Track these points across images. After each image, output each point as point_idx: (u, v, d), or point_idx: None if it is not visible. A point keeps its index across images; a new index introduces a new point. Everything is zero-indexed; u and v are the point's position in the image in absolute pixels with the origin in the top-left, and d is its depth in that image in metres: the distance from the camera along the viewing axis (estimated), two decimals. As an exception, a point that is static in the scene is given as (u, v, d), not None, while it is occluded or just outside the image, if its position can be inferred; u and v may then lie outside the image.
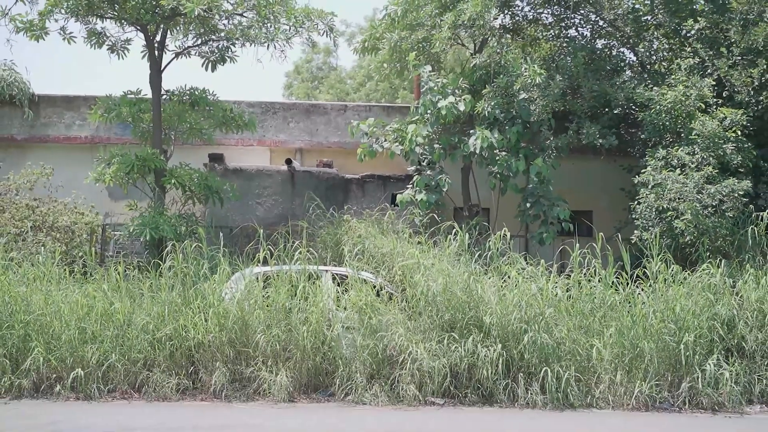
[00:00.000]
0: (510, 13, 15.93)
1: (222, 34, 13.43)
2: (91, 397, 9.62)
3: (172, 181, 13.26)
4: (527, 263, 11.34)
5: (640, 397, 10.00)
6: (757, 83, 12.82)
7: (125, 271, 11.06)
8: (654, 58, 15.05)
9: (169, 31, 13.60)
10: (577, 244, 11.35)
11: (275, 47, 12.90)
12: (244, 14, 13.23)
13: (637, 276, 11.19)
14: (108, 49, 13.81)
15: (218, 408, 9.43)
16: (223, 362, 10.01)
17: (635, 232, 12.80)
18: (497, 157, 13.73)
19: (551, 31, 16.36)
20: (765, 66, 12.76)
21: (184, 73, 49.13)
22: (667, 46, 14.79)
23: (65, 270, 11.25)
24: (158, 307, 10.33)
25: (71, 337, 9.88)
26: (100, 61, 70.89)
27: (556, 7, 15.62)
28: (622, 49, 15.86)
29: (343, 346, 10.22)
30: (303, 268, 10.83)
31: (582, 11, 15.58)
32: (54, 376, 9.79)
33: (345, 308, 10.48)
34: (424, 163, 14.40)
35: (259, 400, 9.79)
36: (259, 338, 10.04)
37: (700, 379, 10.01)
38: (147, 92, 14.03)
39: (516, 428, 8.82)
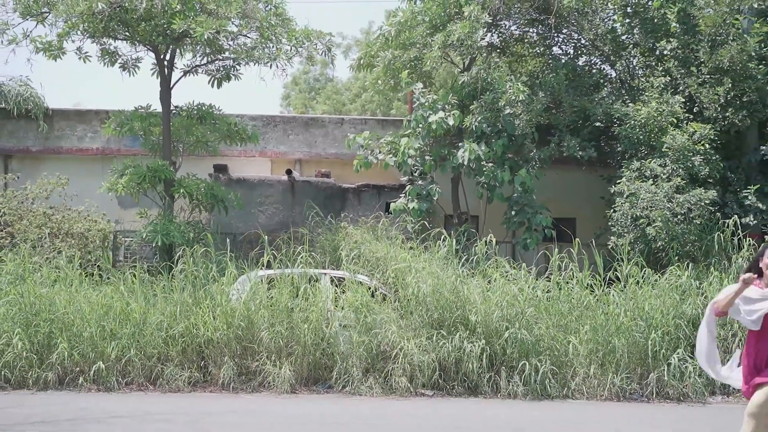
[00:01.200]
0: (497, 31, 16.84)
1: (227, 54, 14.33)
2: (110, 389, 10.45)
3: (181, 190, 14.12)
4: (511, 267, 12.23)
5: (612, 389, 10.87)
6: (723, 100, 13.70)
7: (133, 274, 11.89)
8: (632, 74, 15.94)
9: (178, 51, 14.48)
10: (556, 249, 12.25)
11: (277, 66, 13.81)
12: (248, 35, 14.13)
13: (611, 279, 12.09)
14: (120, 67, 14.69)
15: (226, 398, 10.25)
16: (231, 357, 10.84)
17: (611, 238, 13.68)
18: (484, 168, 14.56)
19: (536, 48, 17.26)
20: (730, 84, 13.66)
21: (186, 85, 49.89)
22: (643, 64, 15.67)
23: (83, 273, 12.10)
24: (171, 307, 11.16)
25: (92, 334, 10.71)
26: (103, 74, 71.54)
27: (540, 27, 16.52)
28: (603, 66, 16.78)
29: (341, 343, 11.04)
30: (303, 271, 11.69)
31: (564, 31, 16.48)
32: (77, 369, 10.63)
33: (342, 308, 11.31)
34: (416, 174, 15.26)
35: (263, 392, 10.62)
36: (264, 335, 10.88)
37: (666, 372, 10.91)
38: (156, 106, 14.93)
39: (498, 416, 9.65)
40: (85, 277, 12.04)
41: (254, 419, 8.94)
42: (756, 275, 6.43)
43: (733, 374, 6.69)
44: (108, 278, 12.13)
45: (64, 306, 10.96)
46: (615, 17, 16.26)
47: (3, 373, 10.39)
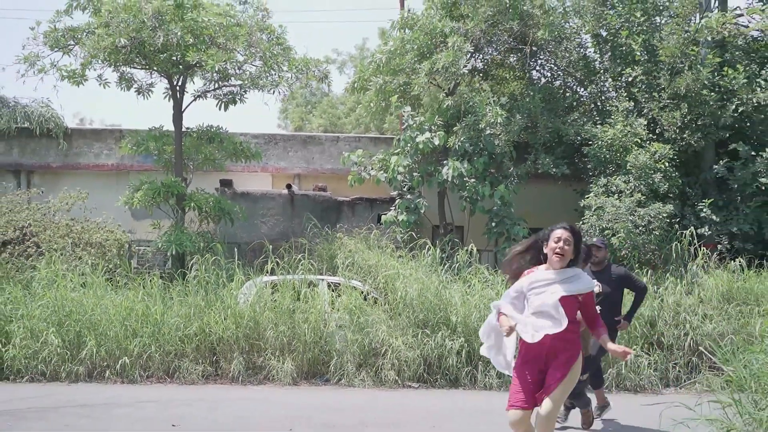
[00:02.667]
0: (480, 57, 18.18)
1: (234, 80, 15.64)
2: (134, 381, 11.67)
3: (192, 204, 15.40)
4: (489, 273, 13.53)
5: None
6: (680, 123, 15.04)
7: (151, 280, 13.16)
8: (602, 97, 17.29)
9: (189, 78, 15.78)
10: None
11: (278, 93, 15.12)
12: (253, 64, 15.43)
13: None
14: (135, 91, 15.97)
15: (236, 389, 11.48)
16: (240, 353, 12.03)
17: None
18: (467, 184, 15.84)
19: (516, 72, 18.61)
20: (687, 109, 15.00)
21: (194, 106, 51.27)
22: (613, 87, 17.02)
23: (104, 279, 13.36)
24: (186, 309, 12.38)
25: (117, 333, 11.93)
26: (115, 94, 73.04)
27: (518, 53, 17.86)
28: (577, 88, 18.12)
29: (337, 341, 12.17)
30: (303, 277, 12.95)
31: (541, 57, 17.83)
32: (104, 364, 11.83)
33: (338, 310, 12.44)
34: (405, 189, 16.57)
35: (268, 384, 11.81)
36: (269, 334, 12.07)
37: (624, 366, 12.21)
38: (166, 125, 16.21)
39: (475, 404, 10.88)
40: (107, 282, 13.30)
41: (262, 406, 10.19)
42: (534, 268, 6.35)
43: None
44: (126, 284, 13.40)
45: (92, 308, 12.18)
46: (589, 44, 17.64)
47: (39, 367, 11.61)
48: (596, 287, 7.61)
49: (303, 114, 41.15)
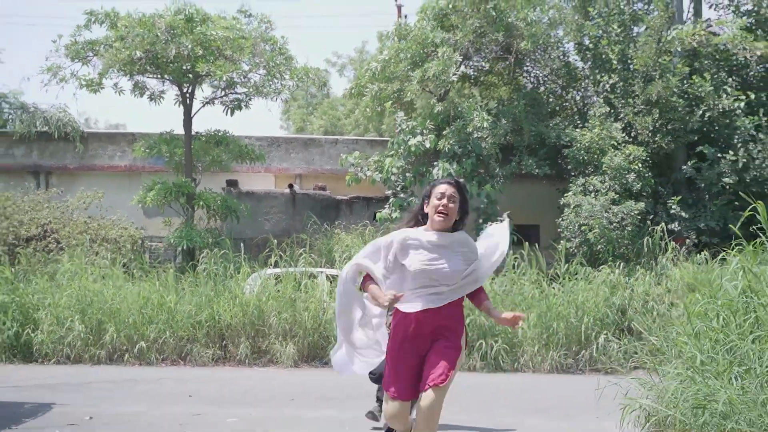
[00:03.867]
0: (470, 64, 19.28)
1: (240, 87, 16.74)
2: (150, 363, 12.76)
3: (200, 203, 16.52)
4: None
5: (553, 363, 13.19)
6: (652, 127, 16.14)
7: (165, 272, 14.26)
8: (583, 103, 18.38)
9: (198, 86, 16.88)
10: (510, 251, 14.63)
11: (281, 100, 16.25)
12: (257, 72, 16.53)
13: (555, 275, 14.48)
14: (148, 98, 17.08)
15: (244, 370, 12.54)
16: (246, 338, 13.06)
17: (561, 242, 16.07)
18: (456, 184, 16.92)
19: (504, 77, 19.69)
20: (658, 114, 16.10)
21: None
22: (593, 93, 18.11)
23: (121, 272, 14.47)
24: (197, 299, 13.43)
25: (134, 320, 13.00)
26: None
27: (505, 62, 18.95)
28: (562, 93, 19.20)
29: (335, 327, 13.37)
30: (304, 269, 14.03)
31: (527, 65, 18.92)
32: (123, 348, 12.91)
33: (335, 299, 13.65)
34: (399, 188, 17.65)
35: (272, 366, 12.84)
36: (272, 320, 13.08)
37: (595, 350, 13.29)
38: (175, 129, 17.32)
39: (459, 382, 11.98)
40: (123, 274, 14.41)
41: (267, 383, 11.25)
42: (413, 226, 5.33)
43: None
44: (141, 276, 14.50)
45: (111, 297, 13.26)
46: (571, 52, 18.73)
47: (65, 350, 12.69)
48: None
49: (304, 115, 42.20)
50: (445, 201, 5.14)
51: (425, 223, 5.25)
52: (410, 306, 5.03)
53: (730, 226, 7.51)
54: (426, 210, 5.24)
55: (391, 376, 5.14)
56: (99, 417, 8.08)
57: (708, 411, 5.09)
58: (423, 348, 5.07)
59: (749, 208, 6.64)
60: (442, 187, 5.20)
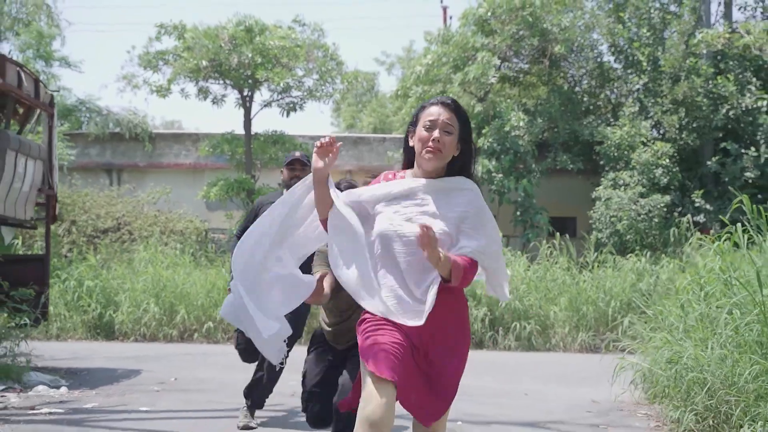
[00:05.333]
0: (509, 66, 20.34)
1: (295, 91, 18.07)
2: (217, 341, 14.12)
3: (260, 197, 17.85)
4: (512, 255, 15.72)
5: (583, 344, 14.28)
6: (678, 125, 17.06)
7: (227, 261, 15.63)
8: (616, 102, 19.33)
9: (256, 90, 18.26)
10: (544, 241, 15.72)
11: (333, 102, 17.52)
12: (311, 77, 17.85)
13: (585, 263, 15.53)
14: (211, 101, 18.50)
15: (298, 347, 13.89)
16: (302, 320, 14.48)
17: (593, 233, 17.11)
18: (495, 179, 18.00)
19: (542, 78, 20.71)
20: (684, 113, 17.03)
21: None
22: (625, 93, 19.05)
23: (189, 260, 15.89)
24: (258, 284, 14.84)
25: (203, 302, 14.38)
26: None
27: (541, 64, 19.99)
28: (595, 91, 20.16)
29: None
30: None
31: (563, 64, 19.93)
32: (192, 328, 14.32)
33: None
34: (442, 183, 18.80)
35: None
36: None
37: (621, 332, 14.31)
38: (236, 129, 18.70)
39: (497, 360, 13.14)
40: (190, 262, 15.83)
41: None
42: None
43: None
44: (206, 264, 15.91)
45: (182, 282, 14.69)
46: (605, 54, 19.70)
47: (141, 330, 14.15)
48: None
49: (354, 113, 43.44)
50: (436, 133, 3.49)
51: (411, 166, 3.68)
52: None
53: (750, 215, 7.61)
54: (411, 142, 3.63)
55: (378, 346, 3.33)
56: (181, 380, 9.40)
57: (678, 365, 6.22)
58: (423, 343, 3.48)
59: (736, 201, 7.62)
60: (433, 110, 3.55)
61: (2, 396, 7.19)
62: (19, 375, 8.06)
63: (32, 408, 6.70)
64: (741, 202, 7.63)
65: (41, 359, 10.11)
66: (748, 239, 7.19)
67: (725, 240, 7.73)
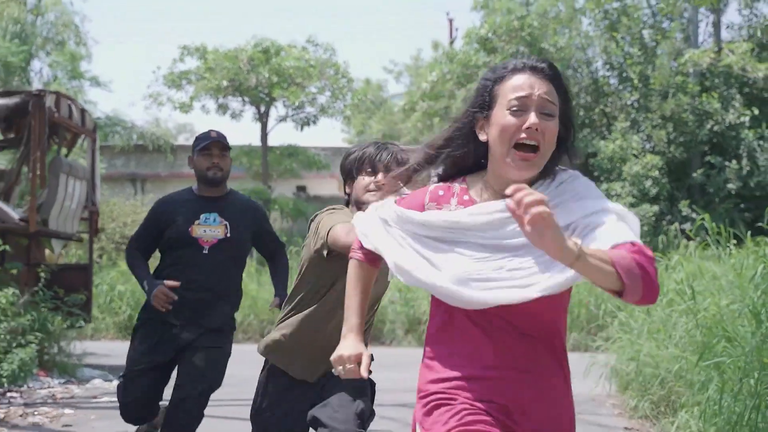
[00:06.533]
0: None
1: (308, 107, 19.22)
2: (238, 341, 15.02)
3: (275, 206, 19.04)
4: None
5: (575, 343, 15.30)
6: (667, 139, 18.12)
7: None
8: (610, 116, 20.38)
9: (273, 106, 19.42)
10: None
11: (345, 118, 18.66)
12: (324, 94, 18.99)
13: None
14: (230, 116, 19.67)
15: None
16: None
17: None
18: (496, 188, 19.10)
19: (541, 93, 21.75)
20: (671, 128, 18.09)
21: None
22: (618, 108, 20.10)
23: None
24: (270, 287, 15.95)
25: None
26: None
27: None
28: (591, 105, 21.21)
29: (390, 312, 15.60)
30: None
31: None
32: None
33: (390, 288, 16.00)
34: (446, 192, 19.91)
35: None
36: (338, 307, 15.57)
37: (612, 331, 15.35)
38: (254, 142, 19.86)
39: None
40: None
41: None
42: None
43: None
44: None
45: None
46: (599, 71, 20.77)
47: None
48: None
49: (364, 119, 44.45)
50: (533, 119, 2.10)
51: (476, 166, 2.26)
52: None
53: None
54: (481, 134, 2.19)
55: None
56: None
57: (635, 360, 7.33)
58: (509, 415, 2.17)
59: (699, 219, 8.67)
60: (523, 80, 2.17)
61: (66, 388, 8.33)
62: (74, 371, 9.19)
63: (94, 397, 7.82)
64: (704, 219, 8.65)
65: (85, 357, 11.25)
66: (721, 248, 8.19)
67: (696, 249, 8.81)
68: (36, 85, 20.06)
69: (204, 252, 4.49)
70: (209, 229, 4.52)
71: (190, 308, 4.46)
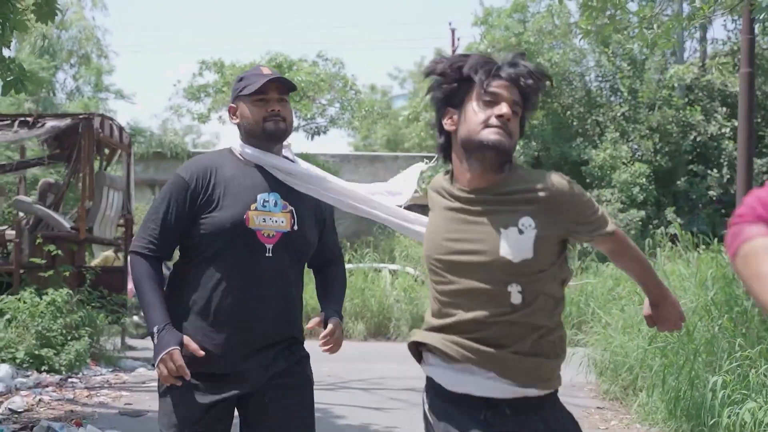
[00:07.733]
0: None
1: (319, 118, 20.35)
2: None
3: (288, 211, 20.11)
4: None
5: (567, 340, 16.41)
6: (653, 149, 19.26)
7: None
8: (602, 126, 21.50)
9: (284, 117, 20.52)
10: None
11: (353, 129, 19.80)
12: (333, 106, 20.12)
13: (571, 270, 17.66)
14: (244, 126, 20.74)
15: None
16: (327, 318, 16.59)
17: (577, 244, 19.24)
18: (494, 195, 20.19)
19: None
20: (657, 138, 19.23)
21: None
22: (611, 118, 21.22)
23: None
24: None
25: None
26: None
27: (535, 92, 22.11)
28: (584, 116, 22.31)
29: (395, 310, 16.26)
30: (371, 265, 17.42)
31: (552, 95, 22.10)
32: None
33: (396, 288, 16.35)
34: (447, 198, 21.00)
35: (346, 340, 16.19)
36: (346, 304, 16.55)
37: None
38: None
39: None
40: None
41: (342, 350, 14.77)
42: None
43: None
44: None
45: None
46: (592, 84, 21.90)
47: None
48: None
49: (369, 125, 45.49)
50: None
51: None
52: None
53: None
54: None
55: None
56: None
57: (608, 351, 8.49)
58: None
59: (676, 225, 9.78)
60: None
61: (116, 375, 9.47)
62: (118, 361, 10.34)
63: (143, 382, 8.95)
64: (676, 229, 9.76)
65: (125, 350, 12.38)
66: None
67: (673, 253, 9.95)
68: (60, 96, 21.24)
69: (267, 254, 2.85)
70: (270, 217, 2.88)
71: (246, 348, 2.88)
